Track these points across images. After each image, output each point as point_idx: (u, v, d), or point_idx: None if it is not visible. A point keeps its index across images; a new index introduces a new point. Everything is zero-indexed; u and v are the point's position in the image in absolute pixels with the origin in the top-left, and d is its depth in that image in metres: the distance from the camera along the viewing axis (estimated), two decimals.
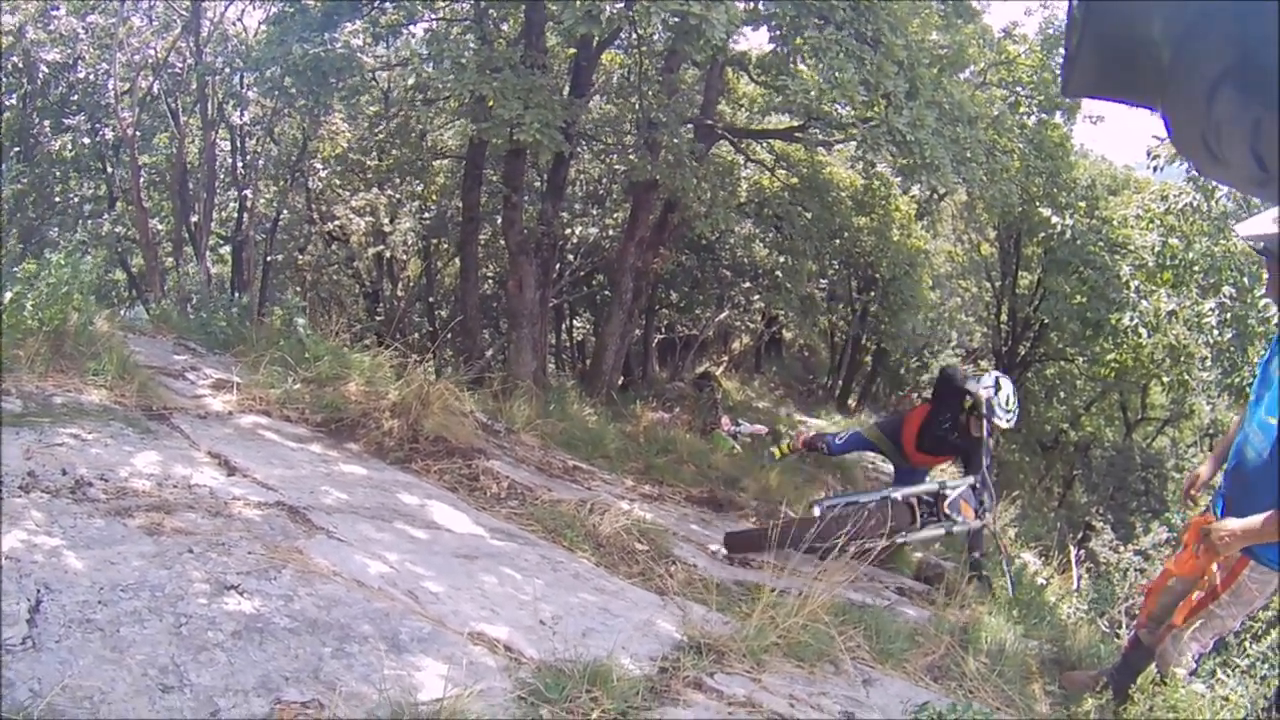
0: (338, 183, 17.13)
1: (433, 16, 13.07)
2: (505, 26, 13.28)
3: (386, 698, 2.48)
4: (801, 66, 10.02)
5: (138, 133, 13.35)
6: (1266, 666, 6.24)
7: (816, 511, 6.10)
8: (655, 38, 12.14)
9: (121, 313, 10.60)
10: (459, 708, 2.47)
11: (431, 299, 18.70)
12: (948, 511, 5.99)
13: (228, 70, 14.05)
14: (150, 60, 14.10)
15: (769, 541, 5.49)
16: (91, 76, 14.15)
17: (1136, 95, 1.18)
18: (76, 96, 14.15)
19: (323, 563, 3.27)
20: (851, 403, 24.39)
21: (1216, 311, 11.66)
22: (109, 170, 14.85)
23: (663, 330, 21.02)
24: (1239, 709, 5.62)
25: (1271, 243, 3.36)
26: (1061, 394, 23.06)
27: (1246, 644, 6.54)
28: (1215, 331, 11.67)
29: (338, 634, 2.78)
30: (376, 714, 2.43)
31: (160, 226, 16.07)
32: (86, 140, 14.52)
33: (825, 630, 3.79)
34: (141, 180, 13.58)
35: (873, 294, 19.78)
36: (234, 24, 15.32)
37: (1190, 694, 5.39)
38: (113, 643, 2.47)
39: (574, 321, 21.59)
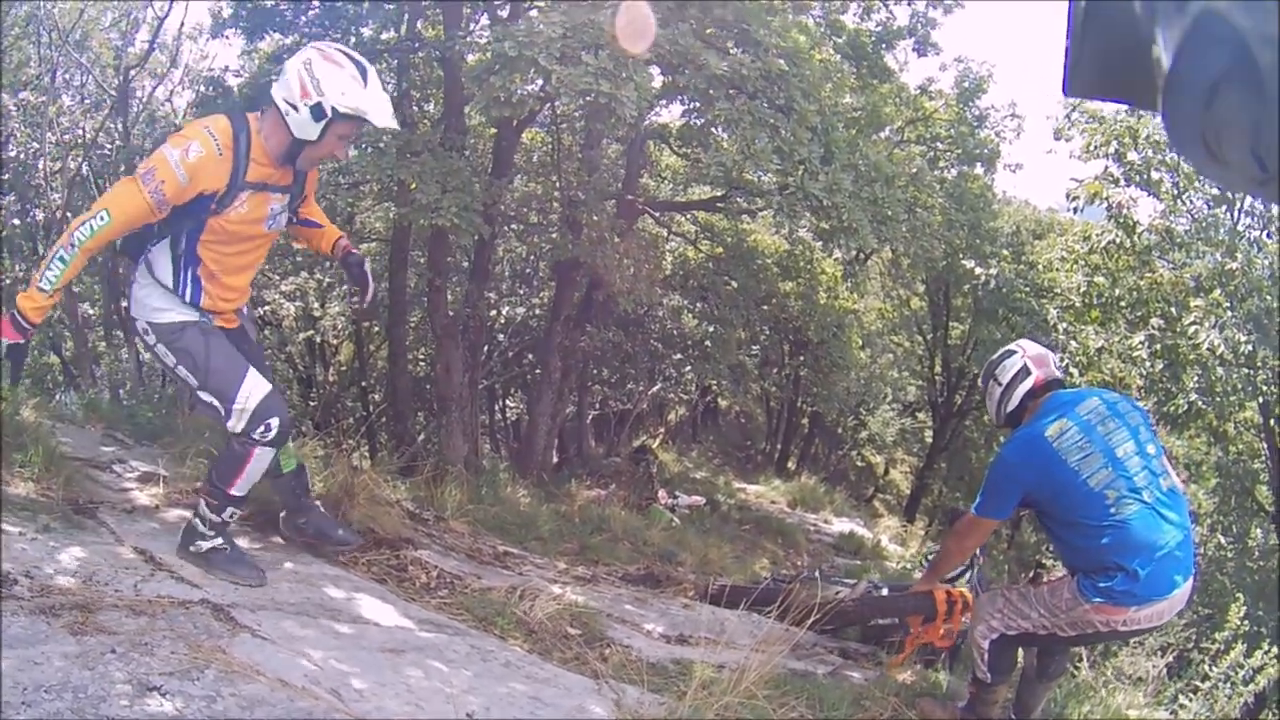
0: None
1: None
2: (429, 107, 13.40)
3: None
4: (721, 136, 10.19)
5: (68, 214, 13.24)
6: (1229, 686, 6.31)
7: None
8: (576, 115, 12.31)
9: (58, 397, 10.43)
10: None
11: (364, 383, 18.57)
12: None
13: None
14: (80, 140, 14.02)
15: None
16: (22, 155, 13.98)
17: (1136, 95, 1.18)
18: (8, 175, 13.95)
19: (246, 662, 3.22)
20: (791, 465, 24.56)
21: (1146, 344, 11.91)
22: (40, 251, 14.67)
23: (597, 406, 21.03)
24: None
25: None
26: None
27: (1206, 666, 6.62)
28: (1147, 363, 11.91)
29: None
30: None
31: (91, 311, 15.86)
32: (16, 221, 14.36)
33: (763, 704, 3.77)
34: None
35: (803, 358, 19.95)
36: (163, 104, 15.30)
37: None
38: None
39: (506, 402, 21.52)
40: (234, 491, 4.14)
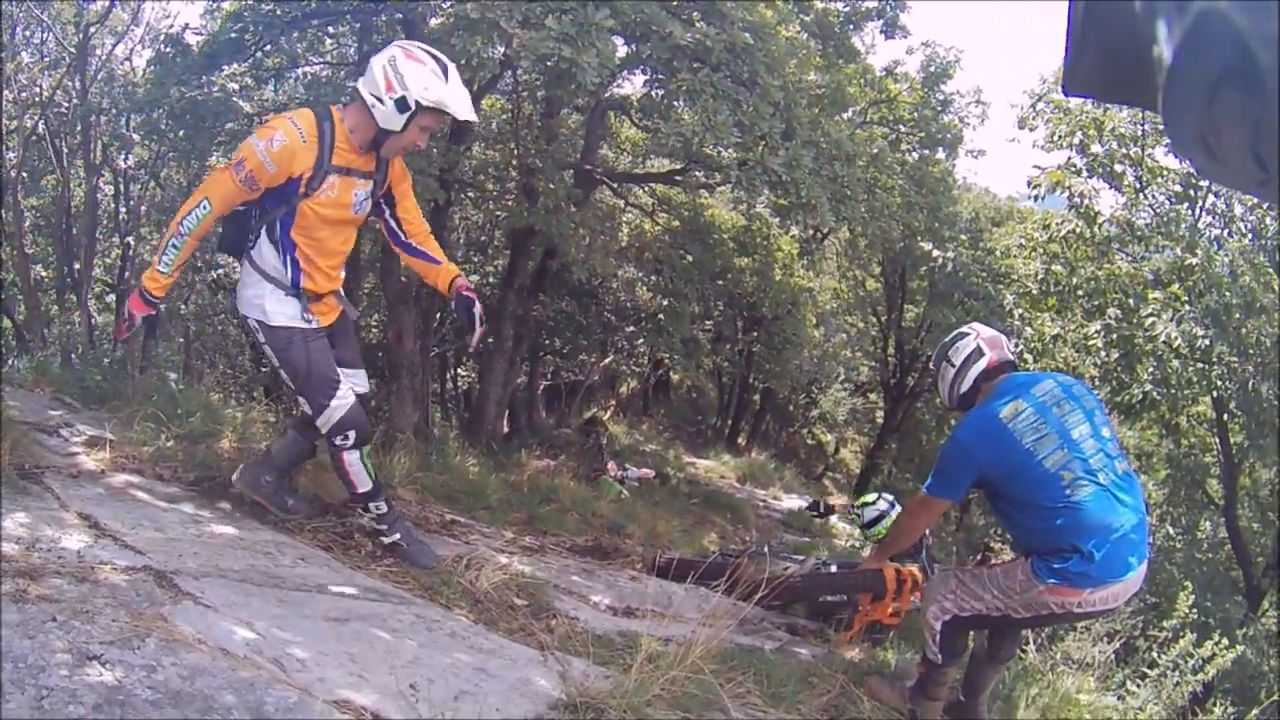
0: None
1: (317, 61, 12.95)
2: None
3: None
4: (682, 109, 10.15)
5: (24, 174, 12.98)
6: (1177, 674, 6.39)
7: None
8: (536, 82, 12.21)
9: (10, 363, 10.24)
10: None
11: None
12: None
13: (113, 111, 13.76)
14: (37, 98, 13.74)
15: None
16: None
17: (1136, 95, 1.19)
18: None
19: (188, 630, 3.18)
20: (741, 441, 24.67)
21: (1102, 333, 12.05)
22: None
23: (548, 377, 21.00)
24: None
25: None
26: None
27: (1154, 653, 6.71)
28: (1102, 353, 12.04)
29: (200, 705, 2.71)
30: None
31: (44, 273, 15.60)
32: None
33: (710, 679, 3.77)
34: (25, 224, 13.19)
35: (756, 334, 19.98)
36: (122, 63, 15.03)
37: (1100, 707, 5.53)
38: None
39: (458, 370, 21.43)
40: (360, 490, 4.77)
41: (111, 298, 17.40)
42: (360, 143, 4.37)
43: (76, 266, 13.67)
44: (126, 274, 15.30)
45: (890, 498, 7.49)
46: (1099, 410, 4.24)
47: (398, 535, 4.89)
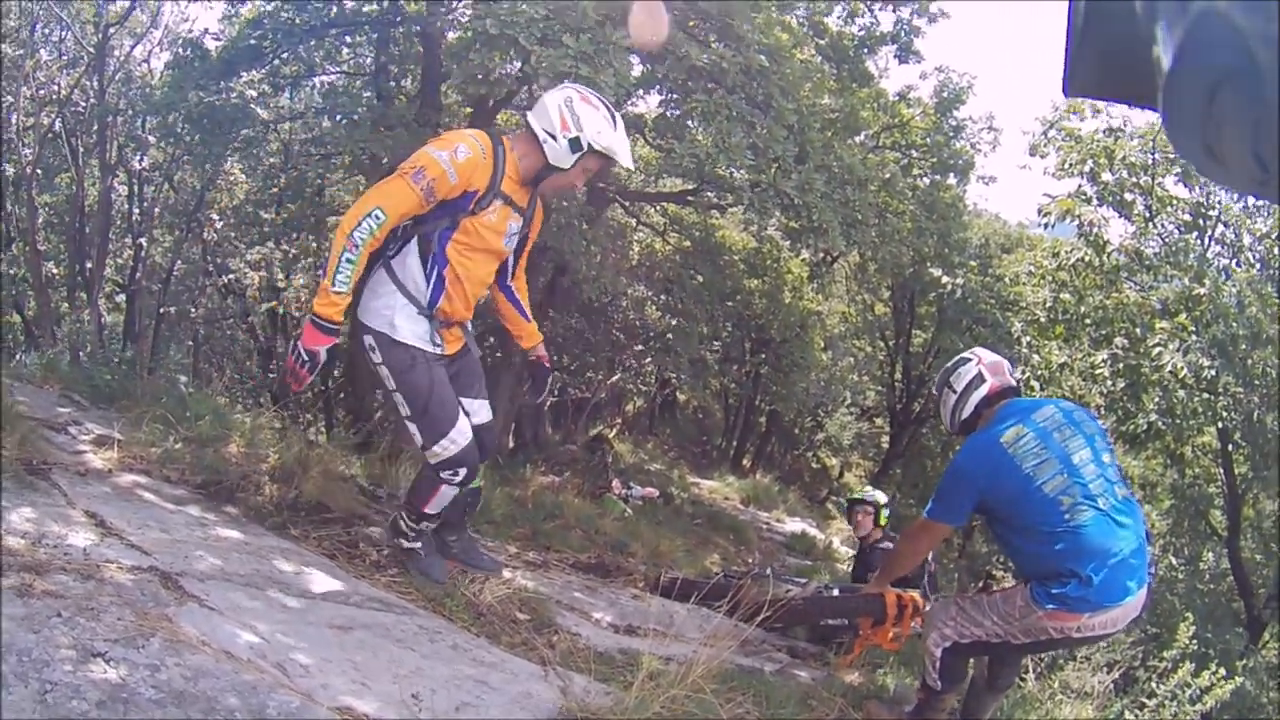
0: (233, 235, 16.89)
1: (334, 69, 13.02)
2: (406, 83, 13.30)
3: None
4: (696, 130, 10.17)
5: (38, 170, 13.04)
6: (1174, 704, 6.36)
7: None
8: None
9: (19, 357, 10.27)
10: None
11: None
12: None
13: (130, 112, 13.83)
14: (55, 95, 13.82)
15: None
16: None
17: (1136, 95, 1.19)
18: None
19: (192, 632, 3.19)
20: (746, 463, 24.59)
21: (1109, 362, 12.00)
22: (7, 208, 14.44)
23: (555, 393, 21.00)
24: None
25: None
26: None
27: (1153, 683, 6.68)
28: (1109, 381, 12.00)
29: (203, 707, 2.71)
30: None
31: (56, 270, 15.66)
32: None
33: (710, 699, 3.76)
34: (39, 221, 13.25)
35: (764, 356, 19.98)
36: (140, 65, 15.13)
37: None
38: None
39: None
40: (427, 510, 4.65)
41: (121, 298, 17.45)
42: (525, 173, 4.41)
43: (88, 265, 13.72)
44: (138, 275, 15.35)
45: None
46: (1100, 436, 4.24)
47: (419, 545, 4.83)
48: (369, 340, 4.35)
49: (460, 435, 4.41)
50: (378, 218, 4.01)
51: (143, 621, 3.10)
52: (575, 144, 4.26)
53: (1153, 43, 1.02)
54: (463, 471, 4.48)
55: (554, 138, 4.27)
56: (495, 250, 4.49)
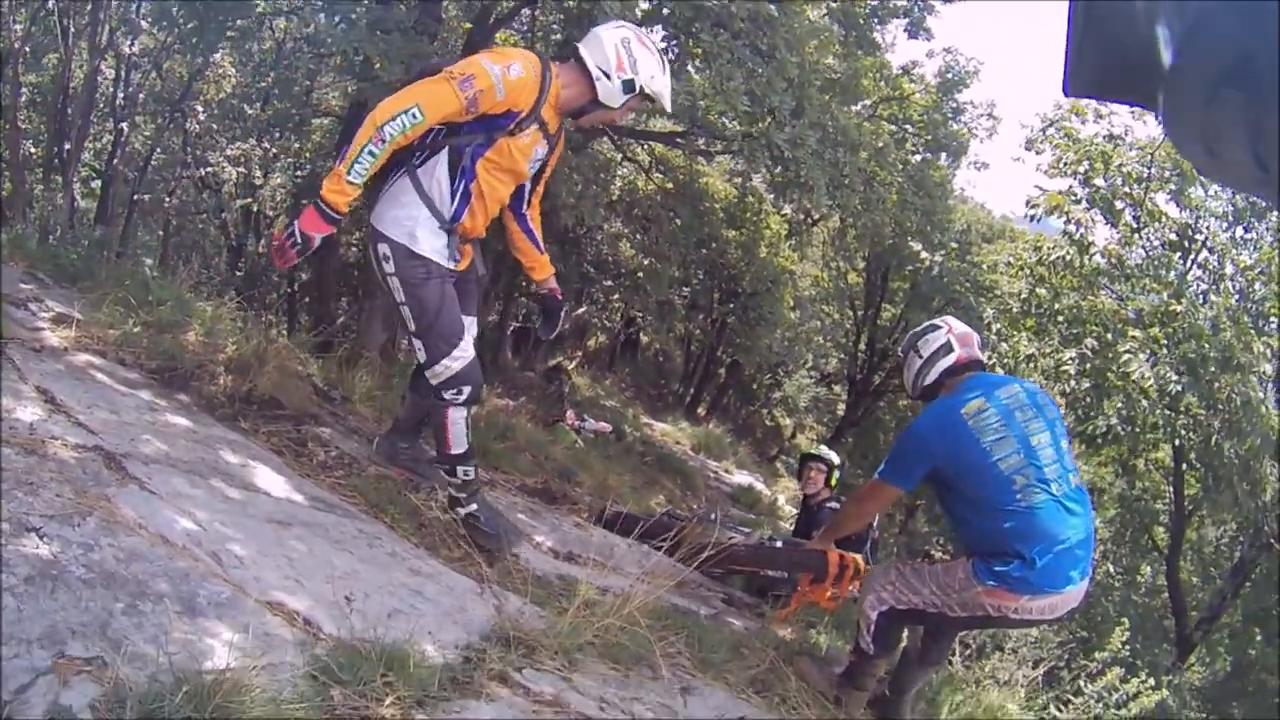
0: (215, 128, 16.62)
1: None
2: None
3: (171, 662, 2.42)
4: (693, 72, 10.06)
5: (27, 47, 12.73)
6: (1100, 706, 6.47)
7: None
8: (553, 24, 12.09)
9: None
10: (244, 680, 2.42)
11: None
12: None
13: None
14: None
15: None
16: None
17: (1136, 95, 1.19)
18: None
19: (130, 514, 3.17)
20: (701, 411, 24.66)
21: (1077, 361, 12.09)
22: None
23: (519, 319, 20.93)
24: None
25: None
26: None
27: (1082, 682, 6.80)
28: (1073, 381, 12.09)
29: (133, 590, 2.70)
30: (159, 678, 2.36)
31: (34, 150, 15.36)
32: None
33: (644, 634, 3.79)
34: (22, 99, 12.96)
35: (732, 306, 20.00)
36: None
37: None
38: None
39: None
40: (453, 451, 4.52)
41: (97, 183, 17.15)
42: (565, 103, 4.38)
43: (67, 147, 13.44)
44: (115, 160, 15.09)
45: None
46: (1059, 423, 4.24)
47: (475, 507, 4.67)
48: (384, 249, 4.27)
49: (463, 353, 4.38)
50: (415, 116, 3.90)
51: (81, 500, 3.08)
52: (629, 86, 4.28)
53: (1153, 42, 1.02)
54: (466, 389, 4.42)
55: (608, 76, 4.27)
56: (519, 172, 4.45)
